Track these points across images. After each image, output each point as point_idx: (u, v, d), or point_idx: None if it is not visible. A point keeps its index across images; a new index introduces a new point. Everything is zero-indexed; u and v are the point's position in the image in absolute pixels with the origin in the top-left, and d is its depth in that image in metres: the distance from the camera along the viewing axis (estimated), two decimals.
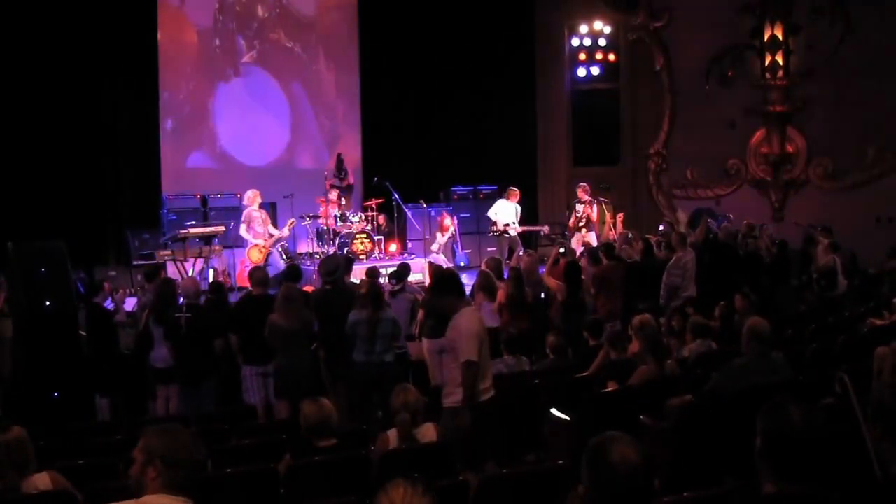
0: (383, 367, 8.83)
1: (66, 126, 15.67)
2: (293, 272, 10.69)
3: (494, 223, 16.05)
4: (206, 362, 9.42)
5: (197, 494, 3.39)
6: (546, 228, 16.71)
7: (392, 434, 6.09)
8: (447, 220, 16.26)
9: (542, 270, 12.37)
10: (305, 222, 15.90)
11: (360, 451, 6.14)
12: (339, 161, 16.78)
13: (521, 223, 16.14)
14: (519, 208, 16.17)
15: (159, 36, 16.94)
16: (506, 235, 15.94)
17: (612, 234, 16.48)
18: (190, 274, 13.26)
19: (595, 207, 16.41)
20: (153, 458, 3.40)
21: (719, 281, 11.60)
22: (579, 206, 16.40)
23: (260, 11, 18.34)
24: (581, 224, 16.22)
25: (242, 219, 14.99)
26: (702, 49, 18.81)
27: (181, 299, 9.69)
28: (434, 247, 16.11)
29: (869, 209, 17.42)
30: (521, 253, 14.37)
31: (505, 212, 16.04)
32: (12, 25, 14.97)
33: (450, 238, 16.26)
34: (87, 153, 16.12)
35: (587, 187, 16.63)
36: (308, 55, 18.84)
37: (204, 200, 16.21)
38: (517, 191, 16.26)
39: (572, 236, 16.11)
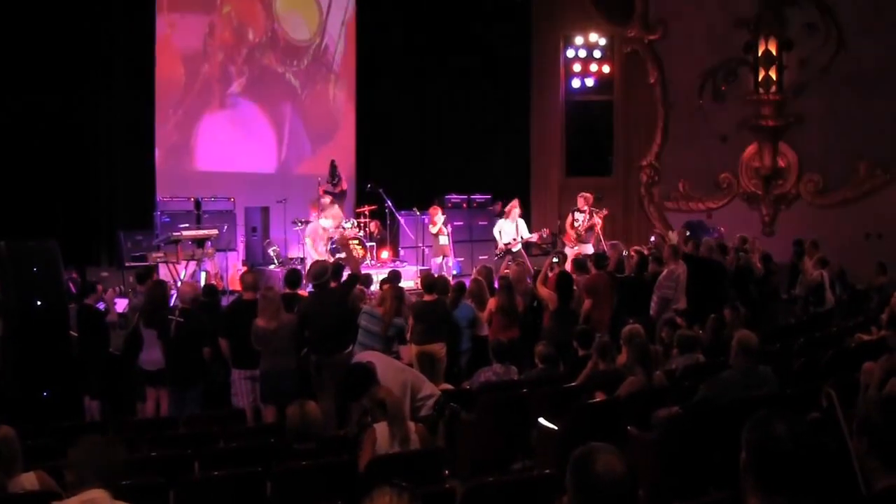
0: None
1: (61, 126, 15.64)
2: (293, 277, 10.69)
3: (497, 245, 15.91)
4: (195, 366, 9.44)
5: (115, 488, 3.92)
6: (545, 232, 16.53)
7: (380, 427, 6.08)
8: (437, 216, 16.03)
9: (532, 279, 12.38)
10: (297, 227, 15.90)
11: (342, 457, 6.15)
12: (333, 167, 16.79)
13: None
14: (521, 223, 15.94)
15: (156, 40, 16.94)
16: (511, 253, 15.79)
17: (603, 245, 16.46)
18: (182, 276, 13.26)
19: (596, 216, 16.28)
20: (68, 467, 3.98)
21: (700, 295, 11.60)
22: (579, 216, 16.14)
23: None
24: (583, 233, 16.04)
25: (307, 233, 15.10)
26: (696, 63, 18.89)
27: (178, 303, 9.72)
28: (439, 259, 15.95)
29: (859, 225, 17.47)
30: (509, 262, 14.36)
31: (507, 231, 15.86)
32: (8, 27, 14.95)
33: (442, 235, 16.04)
34: (81, 154, 16.10)
35: (590, 197, 16.34)
36: (307, 60, 18.88)
37: (197, 203, 16.18)
38: (515, 204, 15.91)
39: (574, 246, 15.75)
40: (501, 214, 16.69)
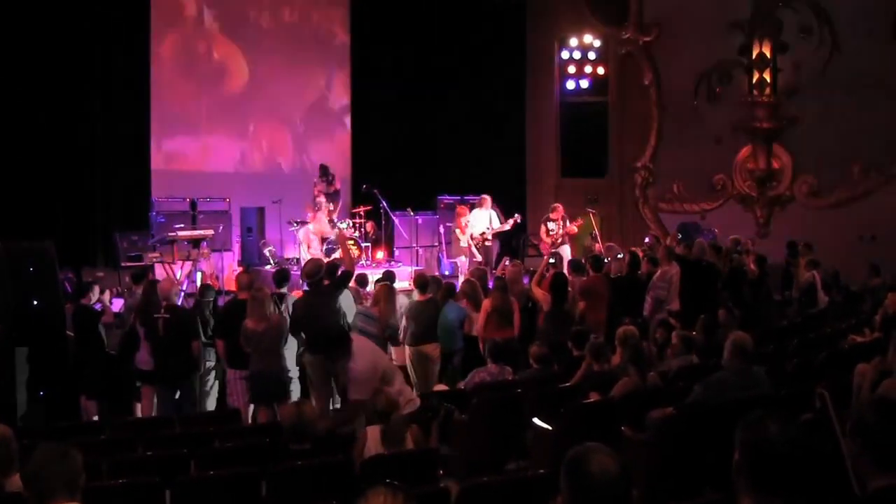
0: None
1: (56, 127, 15.65)
2: (281, 276, 10.70)
3: (472, 236, 16.00)
4: (182, 364, 9.45)
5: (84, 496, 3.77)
6: (517, 218, 16.51)
7: (372, 430, 6.10)
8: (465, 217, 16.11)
9: (527, 280, 12.42)
10: (293, 228, 15.91)
11: (337, 457, 6.17)
12: (324, 169, 16.71)
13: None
14: (494, 214, 16.13)
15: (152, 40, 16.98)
16: (486, 244, 15.89)
17: (598, 247, 16.50)
18: (178, 277, 13.27)
19: (570, 224, 16.32)
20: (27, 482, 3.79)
21: (693, 297, 11.66)
22: (552, 225, 16.24)
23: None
24: (558, 241, 16.10)
25: (301, 238, 15.27)
26: (690, 65, 18.91)
27: (162, 301, 9.74)
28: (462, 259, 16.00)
29: (853, 227, 17.51)
30: (507, 262, 14.39)
31: (478, 220, 15.99)
32: (8, 29, 14.96)
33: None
34: (76, 154, 16.09)
35: (560, 208, 16.49)
36: (298, 61, 18.88)
37: (193, 204, 16.19)
38: (487, 197, 16.24)
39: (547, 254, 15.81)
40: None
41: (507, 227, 16.14)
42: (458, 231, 15.91)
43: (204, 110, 17.94)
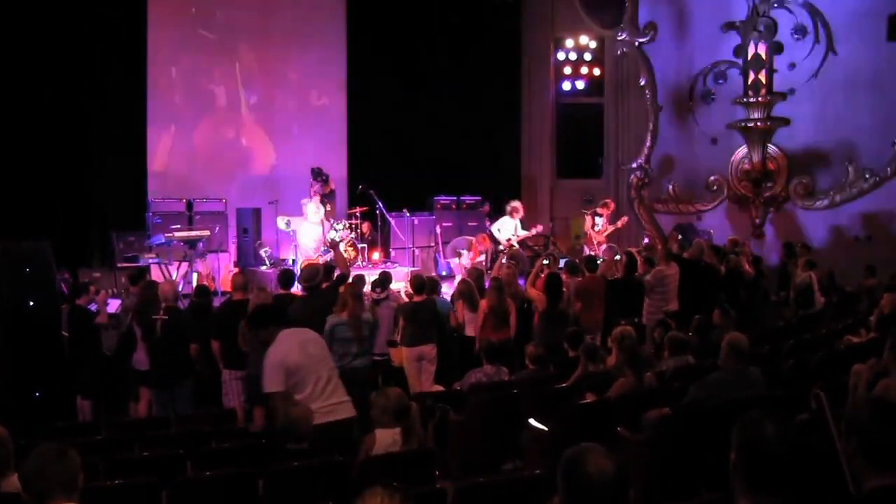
0: (359, 372, 8.70)
1: (53, 126, 15.65)
2: (285, 277, 10.68)
3: (499, 242, 16.13)
4: (180, 366, 9.44)
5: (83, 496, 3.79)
6: (539, 227, 16.79)
7: (381, 433, 6.09)
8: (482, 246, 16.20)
9: (523, 282, 12.43)
10: (289, 230, 15.90)
11: (334, 457, 6.16)
12: (317, 171, 16.68)
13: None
14: (519, 224, 16.23)
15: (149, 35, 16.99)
16: (512, 248, 15.96)
17: (595, 248, 16.55)
18: (174, 277, 13.27)
19: (617, 222, 16.64)
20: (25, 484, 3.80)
21: (691, 297, 11.71)
22: (598, 220, 16.68)
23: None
24: (605, 235, 16.40)
25: (312, 244, 15.40)
26: (686, 65, 18.94)
27: (161, 302, 9.73)
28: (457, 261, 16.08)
29: (848, 227, 17.54)
30: (503, 262, 14.42)
31: (507, 228, 16.10)
32: (7, 29, 14.95)
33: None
34: (73, 154, 16.09)
35: (612, 205, 16.95)
36: (295, 62, 18.87)
37: (189, 204, 16.19)
38: (519, 206, 16.42)
39: (592, 251, 15.99)
40: (490, 215, 16.92)
41: (531, 234, 16.30)
42: (465, 252, 15.95)
43: (200, 108, 17.94)
